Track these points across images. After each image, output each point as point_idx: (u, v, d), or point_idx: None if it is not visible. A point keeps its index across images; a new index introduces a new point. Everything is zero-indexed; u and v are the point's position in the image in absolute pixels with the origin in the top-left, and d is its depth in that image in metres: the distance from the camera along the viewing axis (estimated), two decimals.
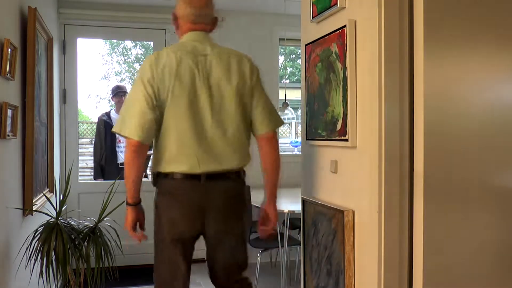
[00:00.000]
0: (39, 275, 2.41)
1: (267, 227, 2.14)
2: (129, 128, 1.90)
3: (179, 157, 1.96)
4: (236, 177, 2.04)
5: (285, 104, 4.35)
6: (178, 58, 1.95)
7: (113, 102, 5.05)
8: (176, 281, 2.00)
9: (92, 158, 5.16)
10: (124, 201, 2.06)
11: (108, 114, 4.97)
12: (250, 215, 2.30)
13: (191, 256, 2.06)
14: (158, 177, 2.02)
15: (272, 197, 2.10)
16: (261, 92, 2.08)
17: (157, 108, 1.92)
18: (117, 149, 4.88)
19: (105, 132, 4.89)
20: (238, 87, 1.99)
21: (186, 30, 2.07)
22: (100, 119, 4.99)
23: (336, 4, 1.78)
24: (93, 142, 5.41)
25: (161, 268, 2.04)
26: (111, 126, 4.85)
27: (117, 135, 4.75)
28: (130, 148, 1.93)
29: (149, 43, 10.10)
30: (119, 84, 5.36)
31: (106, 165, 4.87)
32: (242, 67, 2.03)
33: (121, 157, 4.87)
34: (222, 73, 1.99)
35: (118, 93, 4.92)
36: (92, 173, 5.30)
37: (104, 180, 4.76)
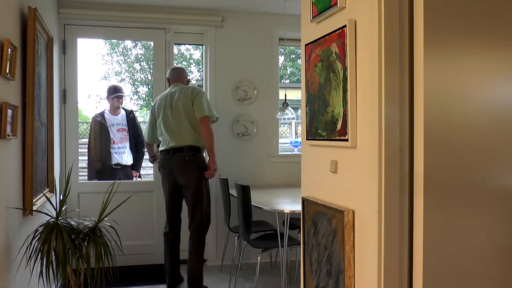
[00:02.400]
0: (39, 275, 2.41)
1: (209, 173, 3.77)
2: (148, 137, 4.11)
3: (162, 142, 3.89)
4: (188, 149, 3.75)
5: (285, 104, 4.34)
6: (163, 97, 3.93)
7: (108, 102, 4.94)
8: (168, 204, 3.91)
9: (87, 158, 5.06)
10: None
11: (102, 114, 4.85)
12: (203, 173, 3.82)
13: (178, 197, 3.89)
14: (158, 152, 4.02)
15: (210, 154, 3.75)
16: (200, 100, 3.77)
17: (156, 121, 3.98)
18: (111, 150, 4.79)
19: (100, 132, 4.79)
20: (185, 105, 3.78)
21: (172, 83, 4.00)
22: (94, 119, 4.88)
23: (336, 4, 1.78)
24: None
25: (166, 199, 3.95)
26: (106, 126, 4.81)
27: (111, 137, 4.78)
28: (146, 145, 4.36)
29: (149, 43, 10.17)
30: (116, 85, 5.21)
31: (100, 166, 4.79)
32: (188, 96, 3.79)
33: (116, 158, 4.81)
34: (179, 99, 3.80)
35: (116, 96, 4.86)
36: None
37: (98, 180, 4.73)
